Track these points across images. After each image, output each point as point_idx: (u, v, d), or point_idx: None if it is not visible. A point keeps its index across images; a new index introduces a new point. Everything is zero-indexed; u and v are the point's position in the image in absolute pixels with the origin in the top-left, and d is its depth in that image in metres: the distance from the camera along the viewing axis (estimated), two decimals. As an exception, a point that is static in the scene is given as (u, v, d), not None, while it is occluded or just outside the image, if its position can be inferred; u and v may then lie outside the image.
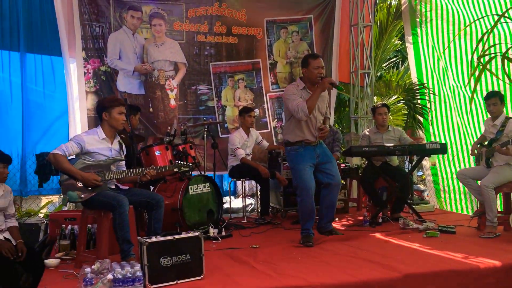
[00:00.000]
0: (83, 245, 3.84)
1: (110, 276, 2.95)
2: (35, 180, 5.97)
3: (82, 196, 3.60)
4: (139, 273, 3.02)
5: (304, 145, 4.45)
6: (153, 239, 3.17)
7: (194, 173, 5.30)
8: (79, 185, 3.60)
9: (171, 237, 3.22)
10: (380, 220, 5.40)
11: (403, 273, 3.35)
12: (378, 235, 4.74)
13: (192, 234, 3.31)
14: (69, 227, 4.36)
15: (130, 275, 2.99)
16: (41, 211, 6.10)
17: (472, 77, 4.97)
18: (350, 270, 3.46)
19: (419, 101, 7.51)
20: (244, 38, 6.85)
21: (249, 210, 6.71)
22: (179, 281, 3.19)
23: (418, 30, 7.25)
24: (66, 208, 5.53)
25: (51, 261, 3.75)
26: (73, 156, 3.69)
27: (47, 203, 6.30)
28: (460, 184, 6.48)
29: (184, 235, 3.28)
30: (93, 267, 3.09)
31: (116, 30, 6.27)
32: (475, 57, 5.05)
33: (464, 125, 6.68)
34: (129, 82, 6.35)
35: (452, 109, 6.93)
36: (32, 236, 4.99)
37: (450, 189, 6.91)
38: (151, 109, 6.43)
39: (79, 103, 6.11)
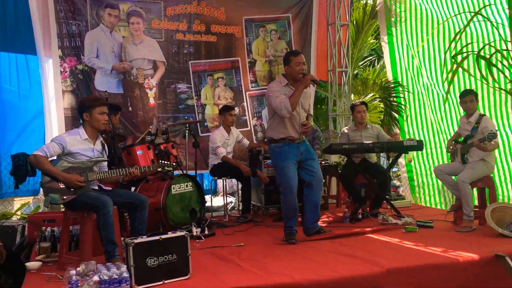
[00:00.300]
0: (65, 247, 3.78)
1: (96, 278, 2.93)
2: (10, 182, 5.84)
3: (64, 197, 3.55)
4: (125, 274, 3.01)
5: (288, 142, 4.46)
6: (139, 240, 3.15)
7: (176, 172, 5.28)
8: (61, 186, 3.55)
9: (157, 237, 3.21)
10: (360, 216, 5.49)
11: (385, 268, 3.43)
12: (359, 231, 4.82)
13: (179, 234, 3.31)
14: (48, 229, 4.29)
15: (117, 276, 2.97)
16: (17, 213, 5.97)
17: (447, 76, 5.10)
18: (334, 266, 3.52)
19: (394, 99, 7.65)
20: (223, 36, 6.84)
21: (229, 208, 6.72)
22: (166, 281, 3.18)
23: (393, 29, 7.38)
24: (41, 210, 5.44)
25: (32, 264, 3.69)
26: (55, 157, 3.63)
27: (23, 206, 6.17)
28: (434, 180, 6.68)
29: (170, 235, 3.28)
30: (78, 269, 3.06)
31: (93, 28, 6.19)
32: (448, 56, 5.17)
33: (437, 122, 6.84)
34: (107, 81, 6.27)
35: (426, 106, 7.09)
36: (9, 239, 4.88)
37: (425, 185, 7.07)
38: (130, 108, 6.37)
39: (55, 102, 6.01)
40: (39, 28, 5.83)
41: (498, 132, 4.73)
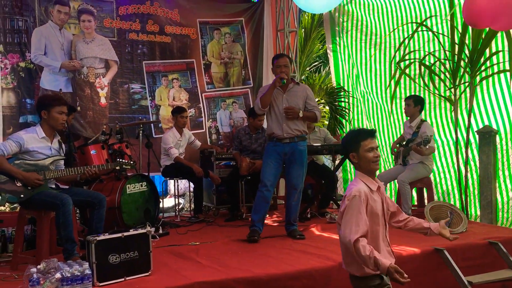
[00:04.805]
0: (20, 247, 3.71)
1: (58, 275, 2.92)
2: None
3: (22, 196, 3.49)
4: (87, 271, 3.02)
5: (276, 141, 4.63)
6: (101, 237, 3.17)
7: (129, 172, 5.27)
8: (18, 185, 3.48)
9: (119, 235, 3.25)
10: (309, 216, 5.73)
11: (337, 261, 3.64)
12: (308, 229, 5.04)
13: (140, 231, 3.36)
14: (-3, 230, 4.16)
15: (79, 274, 2.98)
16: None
17: (393, 79, 5.43)
18: (290, 261, 3.70)
19: (338, 103, 8.00)
20: (178, 37, 6.82)
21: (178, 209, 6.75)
22: (127, 278, 3.23)
23: (338, 38, 7.72)
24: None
25: (-16, 265, 3.59)
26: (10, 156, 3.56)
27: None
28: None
29: (132, 232, 3.33)
30: (39, 266, 3.02)
31: (41, 24, 6.02)
32: (393, 63, 5.52)
33: (371, 128, 7.27)
34: (56, 79, 6.08)
35: (363, 112, 7.51)
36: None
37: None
38: (78, 108, 6.21)
39: (-7, 100, 5.76)
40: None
41: (432, 137, 5.11)
